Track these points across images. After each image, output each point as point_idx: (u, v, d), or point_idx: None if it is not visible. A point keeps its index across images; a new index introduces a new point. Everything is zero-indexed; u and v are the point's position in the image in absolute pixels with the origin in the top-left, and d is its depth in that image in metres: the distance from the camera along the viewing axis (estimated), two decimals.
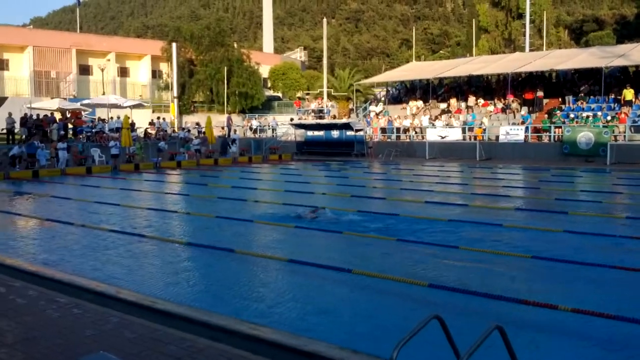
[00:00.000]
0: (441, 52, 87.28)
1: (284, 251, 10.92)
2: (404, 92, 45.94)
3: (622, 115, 30.94)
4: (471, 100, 38.72)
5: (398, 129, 38.11)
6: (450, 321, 4.69)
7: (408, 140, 37.08)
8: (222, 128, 42.78)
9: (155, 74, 55.39)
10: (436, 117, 37.75)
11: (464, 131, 34.79)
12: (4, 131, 31.66)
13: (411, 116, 39.42)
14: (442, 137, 34.72)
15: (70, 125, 35.20)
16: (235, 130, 41.65)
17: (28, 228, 14.10)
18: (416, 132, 37.37)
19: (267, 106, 54.75)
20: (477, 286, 8.16)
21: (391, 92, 47.65)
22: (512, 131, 32.61)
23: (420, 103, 41.37)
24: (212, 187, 21.84)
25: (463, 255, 10.37)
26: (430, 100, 41.39)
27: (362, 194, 18.76)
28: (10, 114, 31.96)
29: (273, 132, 43.53)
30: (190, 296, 8.32)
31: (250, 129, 44.98)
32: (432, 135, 35.07)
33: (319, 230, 12.45)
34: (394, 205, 16.22)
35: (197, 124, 41.49)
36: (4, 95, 43.57)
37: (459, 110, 38.03)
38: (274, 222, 13.81)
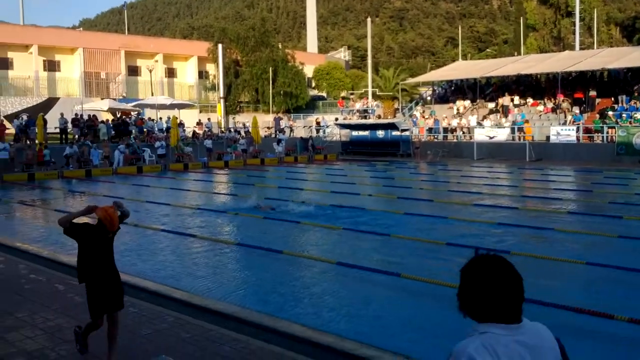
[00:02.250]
0: (488, 50, 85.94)
1: (332, 253, 10.94)
2: (450, 92, 45.44)
3: None
4: (520, 99, 38.04)
5: (445, 129, 37.72)
6: None
7: (455, 140, 36.65)
8: (268, 128, 43.07)
9: (202, 74, 56.27)
10: (484, 117, 37.21)
11: (512, 131, 34.17)
12: (57, 131, 32.68)
13: (458, 116, 38.96)
14: (491, 138, 34.19)
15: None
16: (283, 131, 41.83)
17: None
18: (464, 132, 36.91)
19: (311, 106, 55.01)
20: (530, 293, 7.97)
21: (437, 91, 47.19)
22: (563, 131, 31.87)
23: (467, 102, 40.86)
24: (259, 187, 22.06)
25: (514, 261, 10.15)
26: (478, 100, 40.84)
27: (409, 195, 18.65)
28: (62, 115, 32.98)
29: (318, 132, 43.59)
30: (242, 296, 8.43)
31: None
32: (480, 135, 34.57)
33: (366, 233, 12.45)
34: (441, 208, 16.07)
35: (244, 124, 41.95)
36: (55, 95, 44.92)
37: (510, 111, 37.35)
38: (319, 223, 13.88)
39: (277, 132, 42.11)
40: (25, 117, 33.12)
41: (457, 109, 40.25)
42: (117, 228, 5.53)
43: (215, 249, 11.61)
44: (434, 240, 11.62)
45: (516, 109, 36.93)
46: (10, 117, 36.08)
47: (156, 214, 16.03)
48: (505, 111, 36.91)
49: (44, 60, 47.15)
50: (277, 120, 43.99)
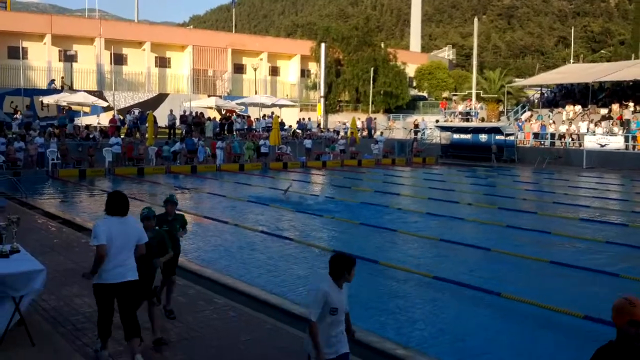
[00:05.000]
0: (602, 51, 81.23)
1: (427, 266, 10.76)
2: (560, 96, 43.39)
3: None
4: (636, 106, 35.67)
5: (552, 135, 36.05)
6: None
7: (563, 147, 34.97)
8: (363, 129, 42.73)
9: (304, 73, 56.88)
10: (596, 124, 35.25)
11: (626, 140, 32.14)
12: (166, 127, 34.10)
13: (567, 121, 37.13)
14: (602, 146, 32.32)
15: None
16: (381, 132, 41.42)
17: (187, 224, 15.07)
18: (572, 139, 35.15)
19: (411, 106, 54.22)
20: None
21: (546, 94, 45.20)
22: None
23: (578, 108, 38.84)
24: (355, 191, 22.06)
25: (624, 285, 9.61)
26: (590, 105, 38.72)
27: (511, 206, 18.00)
28: (171, 111, 34.47)
29: (416, 134, 42.87)
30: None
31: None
32: (591, 142, 32.75)
33: (464, 245, 12.14)
34: (545, 221, 15.37)
35: (344, 124, 41.99)
36: (165, 91, 46.89)
37: (621, 117, 35.17)
38: (415, 232, 13.70)
39: (370, 132, 41.58)
40: (137, 111, 34.95)
41: (567, 114, 38.38)
42: None
43: (307, 252, 11.74)
44: (536, 257, 11.14)
45: (632, 117, 34.65)
46: (123, 112, 38.17)
47: (253, 212, 16.43)
48: (616, 118, 34.77)
49: (155, 57, 49.34)
50: (369, 120, 43.38)
